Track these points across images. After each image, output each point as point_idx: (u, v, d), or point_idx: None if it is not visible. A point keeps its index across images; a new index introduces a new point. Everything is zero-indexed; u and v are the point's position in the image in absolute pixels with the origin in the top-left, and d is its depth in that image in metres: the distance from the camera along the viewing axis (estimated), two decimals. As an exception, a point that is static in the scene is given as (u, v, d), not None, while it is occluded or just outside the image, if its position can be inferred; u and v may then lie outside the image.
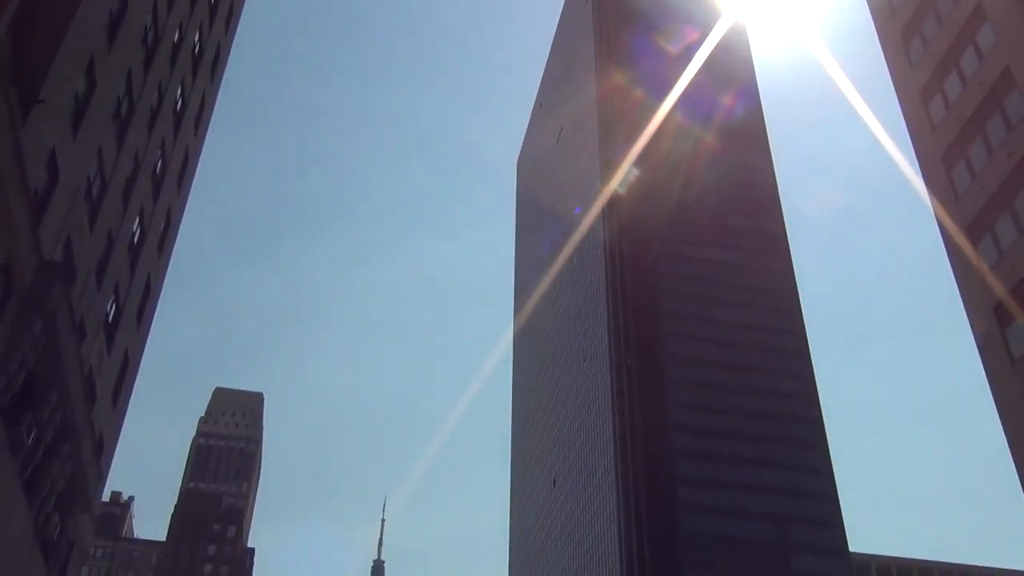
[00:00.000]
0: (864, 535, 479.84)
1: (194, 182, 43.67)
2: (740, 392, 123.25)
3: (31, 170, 21.55)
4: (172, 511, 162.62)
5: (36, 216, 22.56)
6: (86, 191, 26.88)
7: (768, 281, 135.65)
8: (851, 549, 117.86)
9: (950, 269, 37.43)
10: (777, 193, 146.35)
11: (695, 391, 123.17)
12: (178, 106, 37.29)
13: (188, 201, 42.92)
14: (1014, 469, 32.67)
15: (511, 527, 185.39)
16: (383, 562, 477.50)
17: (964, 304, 36.29)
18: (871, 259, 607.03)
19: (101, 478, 32.95)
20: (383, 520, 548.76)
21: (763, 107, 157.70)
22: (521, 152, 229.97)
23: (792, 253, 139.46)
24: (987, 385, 34.66)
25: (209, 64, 42.09)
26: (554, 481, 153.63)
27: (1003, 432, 33.61)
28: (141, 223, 34.16)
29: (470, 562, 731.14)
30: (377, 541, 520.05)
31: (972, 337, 35.83)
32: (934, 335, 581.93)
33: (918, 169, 39.86)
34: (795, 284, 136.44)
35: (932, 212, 38.66)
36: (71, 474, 27.61)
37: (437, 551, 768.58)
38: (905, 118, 40.93)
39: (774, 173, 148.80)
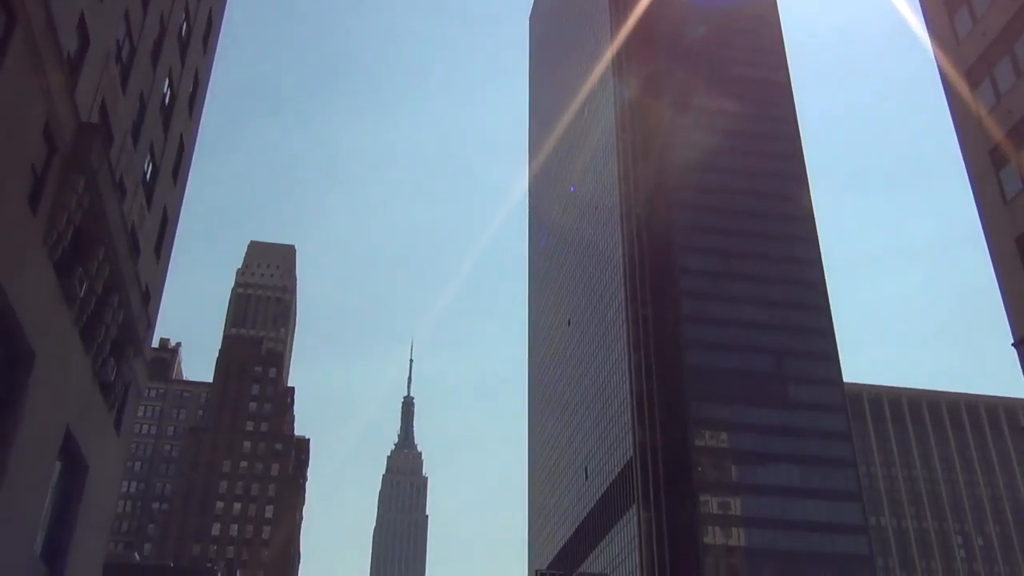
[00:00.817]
0: (857, 366, 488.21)
1: (220, 44, 42.84)
2: (743, 236, 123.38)
3: (63, 34, 21.17)
4: (217, 355, 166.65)
5: (71, 79, 22.29)
6: (116, 54, 26.44)
7: (772, 128, 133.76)
8: (845, 380, 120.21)
9: (948, 114, 36.71)
10: (782, 42, 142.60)
11: (700, 235, 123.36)
12: (199, -32, 36.22)
13: (214, 62, 42.22)
14: (1001, 304, 32.89)
15: (529, 364, 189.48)
16: (412, 398, 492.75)
17: (960, 147, 35.73)
18: (872, 105, 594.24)
19: (150, 325, 33.63)
20: (411, 360, 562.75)
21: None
22: (533, 8, 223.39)
23: (795, 101, 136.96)
24: (979, 225, 34.50)
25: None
26: (569, 322, 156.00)
27: (992, 269, 33.66)
28: (171, 84, 33.70)
29: (492, 394, 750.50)
30: (406, 379, 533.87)
31: (967, 179, 35.45)
32: (930, 178, 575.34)
33: (920, 15, 38.55)
34: (798, 131, 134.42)
35: (933, 58, 37.62)
36: (122, 322, 28.17)
37: (462, 386, 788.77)
38: (910, -36, 39.31)
39: (779, 22, 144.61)
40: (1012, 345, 31.39)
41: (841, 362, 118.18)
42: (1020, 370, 30.81)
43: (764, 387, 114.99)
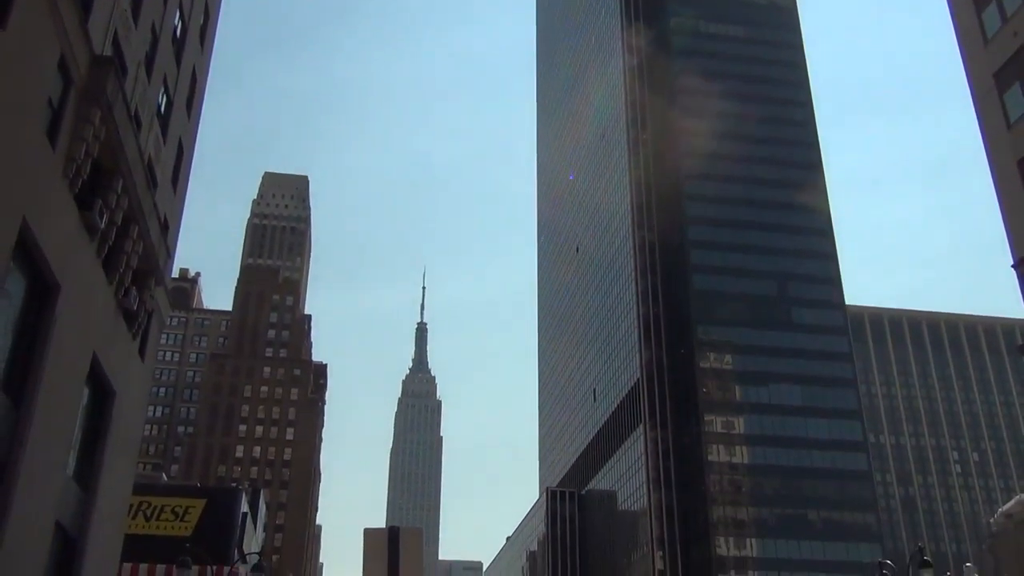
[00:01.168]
0: (859, 289, 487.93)
1: (228, -25, 42.04)
2: (749, 161, 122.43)
3: (73, -33, 20.81)
4: (235, 284, 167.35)
5: (83, 12, 21.99)
6: (127, -14, 26.03)
7: (777, 54, 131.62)
8: (847, 302, 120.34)
9: (954, 37, 35.99)
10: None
11: (706, 161, 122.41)
12: (205, -102, 35.42)
13: (224, -6, 41.52)
14: (1002, 226, 32.67)
15: (539, 290, 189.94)
16: (426, 324, 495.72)
17: (965, 70, 35.12)
18: (877, 28, 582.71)
19: (169, 255, 33.71)
20: (424, 288, 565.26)
21: None
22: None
23: (802, 26, 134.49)
24: (982, 148, 34.09)
25: None
26: (577, 248, 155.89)
27: (995, 192, 33.37)
28: (182, 16, 33.23)
29: (504, 320, 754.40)
30: (420, 306, 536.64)
31: (970, 103, 34.91)
32: (934, 100, 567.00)
33: (929, -63, 37.55)
34: (804, 57, 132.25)
35: (940, -20, 36.75)
36: (142, 252, 28.26)
37: (474, 312, 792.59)
38: None
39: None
40: (1012, 267, 31.28)
41: (843, 285, 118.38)
42: (1019, 292, 30.74)
43: (768, 310, 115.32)
